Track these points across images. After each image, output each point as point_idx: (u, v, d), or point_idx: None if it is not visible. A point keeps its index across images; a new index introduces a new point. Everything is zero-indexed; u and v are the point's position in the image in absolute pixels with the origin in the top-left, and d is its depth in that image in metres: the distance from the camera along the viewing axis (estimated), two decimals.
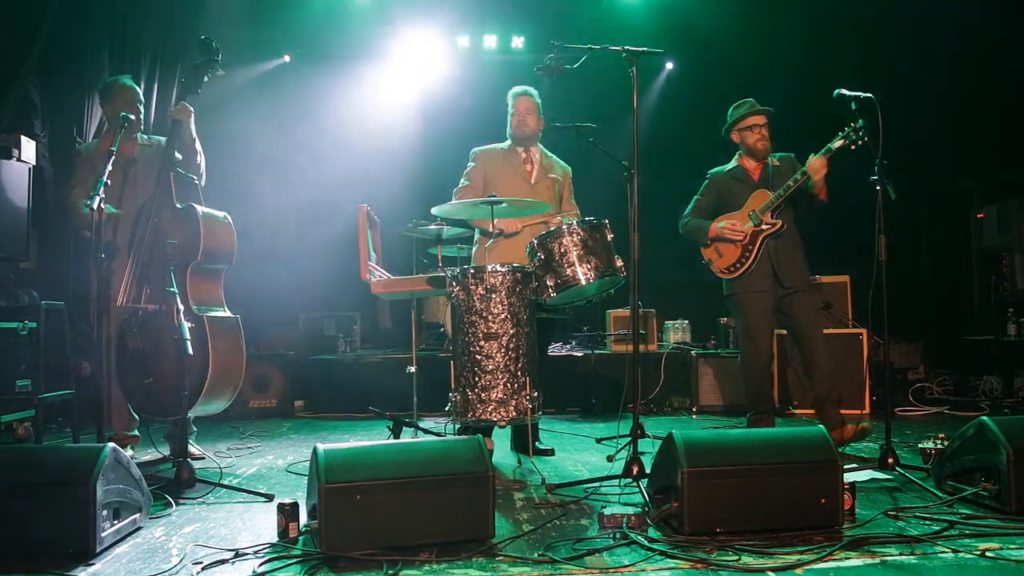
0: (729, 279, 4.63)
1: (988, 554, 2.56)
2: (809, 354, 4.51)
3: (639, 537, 2.73)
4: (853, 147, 4.21)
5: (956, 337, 7.22)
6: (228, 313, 4.31)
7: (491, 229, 4.10)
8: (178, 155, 4.39)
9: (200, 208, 4.22)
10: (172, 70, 6.98)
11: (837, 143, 4.25)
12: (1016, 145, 6.92)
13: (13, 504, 2.65)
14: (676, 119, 7.92)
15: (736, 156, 4.78)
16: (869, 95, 3.89)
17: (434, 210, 4.09)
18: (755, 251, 4.53)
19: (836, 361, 4.68)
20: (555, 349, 6.85)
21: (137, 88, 4.56)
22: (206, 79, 4.42)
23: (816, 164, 4.32)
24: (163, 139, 4.46)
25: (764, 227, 4.52)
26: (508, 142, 4.70)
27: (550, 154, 4.78)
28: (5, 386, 4.82)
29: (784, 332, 4.84)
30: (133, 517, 2.96)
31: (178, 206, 4.22)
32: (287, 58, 8.29)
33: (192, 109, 4.40)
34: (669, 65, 8.46)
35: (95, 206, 3.56)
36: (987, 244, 7.02)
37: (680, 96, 8.12)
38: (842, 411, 4.53)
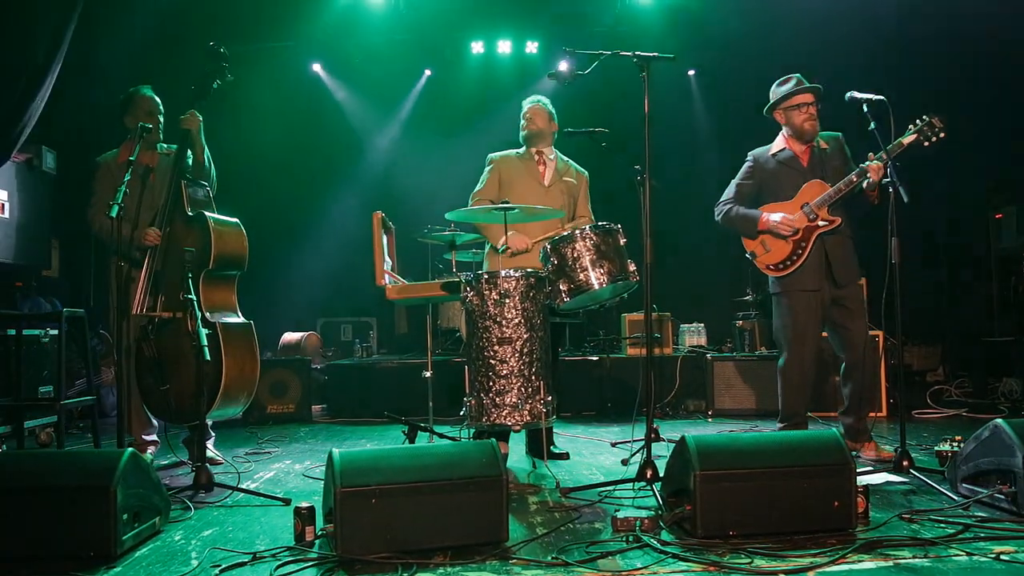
0: (778, 276, 4.38)
1: (1003, 557, 2.55)
2: (851, 365, 4.31)
3: (652, 540, 2.75)
4: (927, 143, 3.97)
5: (975, 339, 7.16)
6: (241, 319, 4.37)
7: (501, 245, 4.11)
8: (189, 162, 4.45)
9: (211, 215, 4.28)
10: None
11: (908, 138, 3.99)
12: None
13: (36, 508, 2.71)
14: (692, 119, 7.92)
15: (779, 136, 4.46)
16: (881, 97, 3.84)
17: (448, 215, 4.12)
18: (808, 247, 4.26)
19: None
20: (570, 352, 6.87)
21: (157, 98, 4.61)
22: (216, 86, 4.46)
23: (876, 166, 4.04)
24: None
25: (821, 223, 4.23)
26: (523, 147, 4.74)
27: (567, 159, 4.80)
28: (28, 392, 4.91)
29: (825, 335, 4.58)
30: (153, 521, 3.01)
31: (190, 214, 4.28)
32: (317, 67, 8.36)
33: (201, 117, 4.44)
34: (686, 65, 8.44)
35: (116, 215, 3.62)
36: (1005, 245, 6.96)
37: (696, 96, 8.12)
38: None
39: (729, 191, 4.54)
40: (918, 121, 4.03)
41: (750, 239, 4.44)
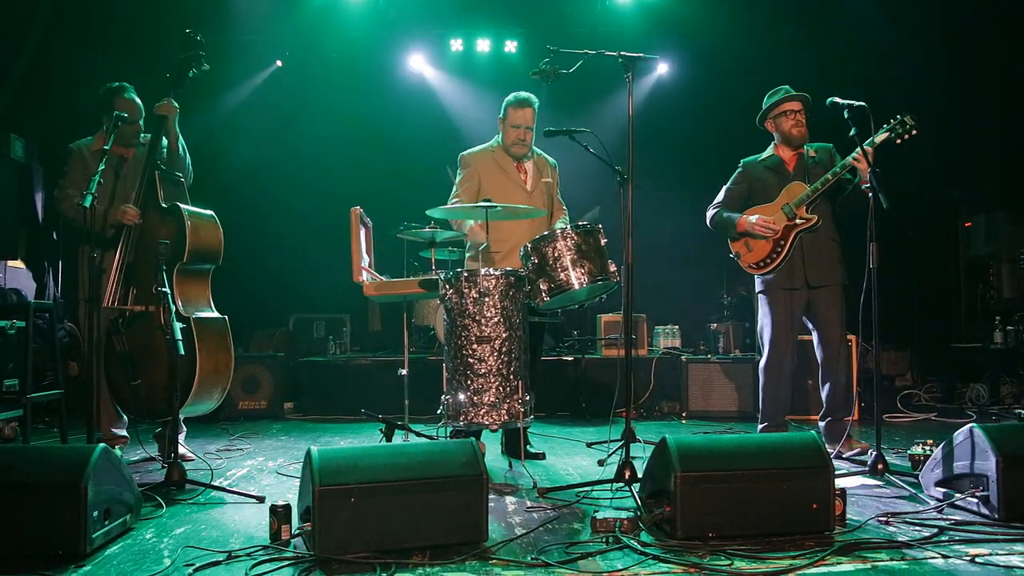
0: (760, 275, 4.48)
1: (978, 560, 2.58)
2: (827, 364, 4.38)
3: (632, 541, 2.74)
4: (899, 141, 4.08)
5: (943, 344, 7.27)
6: (215, 313, 4.30)
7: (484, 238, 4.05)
8: (164, 152, 4.36)
9: (186, 207, 4.20)
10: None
11: (881, 136, 4.09)
12: (1004, 156, 6.99)
13: (3, 504, 2.63)
14: (669, 122, 7.92)
15: (771, 145, 4.60)
16: (862, 104, 3.89)
17: (429, 212, 4.08)
18: (787, 246, 4.36)
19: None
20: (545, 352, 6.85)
21: (139, 100, 4.47)
22: (191, 74, 4.37)
23: (858, 157, 4.09)
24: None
25: (799, 222, 4.34)
26: (496, 143, 4.62)
27: (538, 151, 4.69)
28: None
29: (809, 338, 4.64)
30: (124, 518, 2.94)
31: (163, 205, 4.20)
32: (279, 63, 8.27)
33: (177, 105, 4.35)
34: (664, 68, 8.43)
35: (89, 204, 3.54)
36: (974, 253, 7.08)
37: (674, 99, 8.13)
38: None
39: (719, 196, 4.67)
40: (892, 120, 4.14)
41: (734, 240, 4.56)
